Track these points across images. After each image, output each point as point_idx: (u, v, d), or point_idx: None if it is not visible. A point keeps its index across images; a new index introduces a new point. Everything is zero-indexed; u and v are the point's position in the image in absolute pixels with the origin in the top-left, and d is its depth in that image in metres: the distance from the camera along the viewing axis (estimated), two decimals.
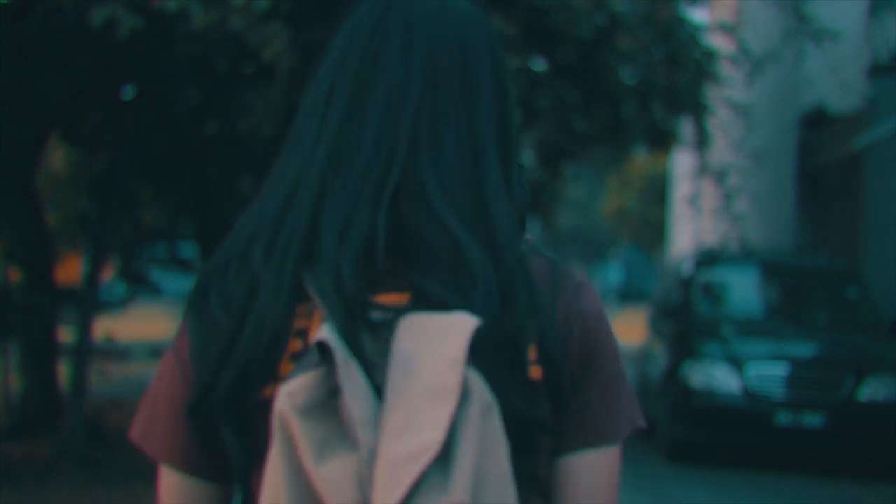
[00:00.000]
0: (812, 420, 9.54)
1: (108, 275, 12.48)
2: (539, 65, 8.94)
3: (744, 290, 11.48)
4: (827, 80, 16.08)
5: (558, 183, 13.09)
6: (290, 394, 1.16)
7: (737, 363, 9.80)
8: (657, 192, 37.55)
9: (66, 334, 10.11)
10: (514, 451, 1.19)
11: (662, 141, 10.75)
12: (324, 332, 1.18)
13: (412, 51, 1.30)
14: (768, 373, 9.76)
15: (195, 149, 10.46)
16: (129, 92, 9.11)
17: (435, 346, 1.16)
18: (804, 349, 10.24)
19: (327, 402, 1.17)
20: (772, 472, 9.67)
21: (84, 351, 8.86)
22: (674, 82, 9.10)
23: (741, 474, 9.57)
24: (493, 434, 1.16)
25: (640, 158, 32.27)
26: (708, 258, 12.02)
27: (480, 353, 1.18)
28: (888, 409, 9.55)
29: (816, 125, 17.97)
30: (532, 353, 1.24)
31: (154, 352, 17.84)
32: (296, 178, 1.29)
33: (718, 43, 11.31)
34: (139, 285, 12.12)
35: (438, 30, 1.32)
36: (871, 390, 9.63)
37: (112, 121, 9.54)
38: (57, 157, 12.35)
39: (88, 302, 8.93)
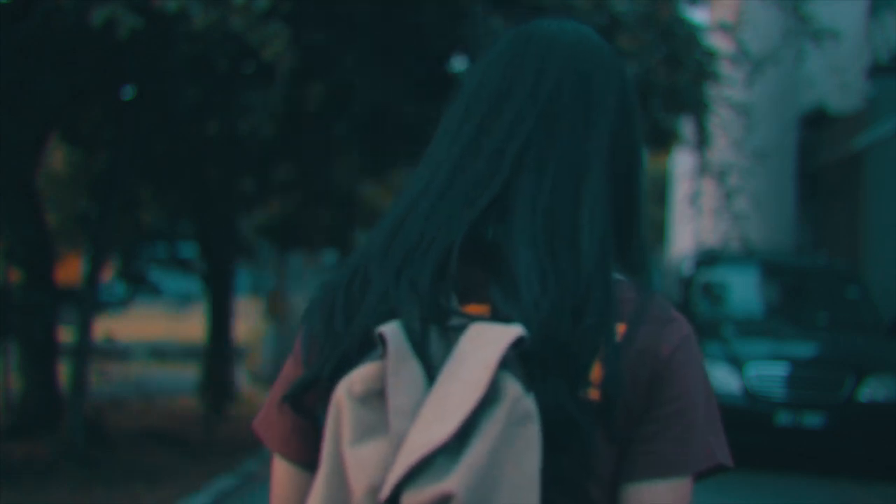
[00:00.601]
0: (812, 420, 9.54)
1: (108, 275, 12.48)
2: None
3: (744, 290, 11.47)
4: (827, 80, 16.07)
5: None
6: (350, 382, 1.24)
7: (737, 363, 9.79)
8: (657, 192, 37.56)
9: (66, 334, 10.11)
10: (565, 467, 1.25)
11: (662, 141, 10.75)
12: (387, 326, 1.24)
13: (542, 81, 1.39)
14: (768, 373, 9.75)
15: (195, 149, 10.46)
16: (129, 92, 9.12)
17: (480, 352, 1.21)
18: (804, 349, 10.23)
19: (384, 392, 1.23)
20: (772, 472, 9.66)
21: (84, 351, 8.86)
22: (674, 82, 9.10)
23: (741, 474, 9.54)
24: (524, 441, 1.19)
25: None
26: (708, 258, 12.02)
27: (535, 364, 1.23)
28: (888, 409, 9.54)
29: (816, 125, 17.97)
30: (595, 375, 1.28)
31: (154, 352, 17.82)
32: (417, 195, 1.36)
33: (718, 43, 11.31)
34: (139, 285, 12.12)
35: (570, 63, 1.40)
36: (871, 390, 9.62)
37: (112, 121, 9.54)
38: (57, 157, 12.35)
39: (88, 302, 8.93)
